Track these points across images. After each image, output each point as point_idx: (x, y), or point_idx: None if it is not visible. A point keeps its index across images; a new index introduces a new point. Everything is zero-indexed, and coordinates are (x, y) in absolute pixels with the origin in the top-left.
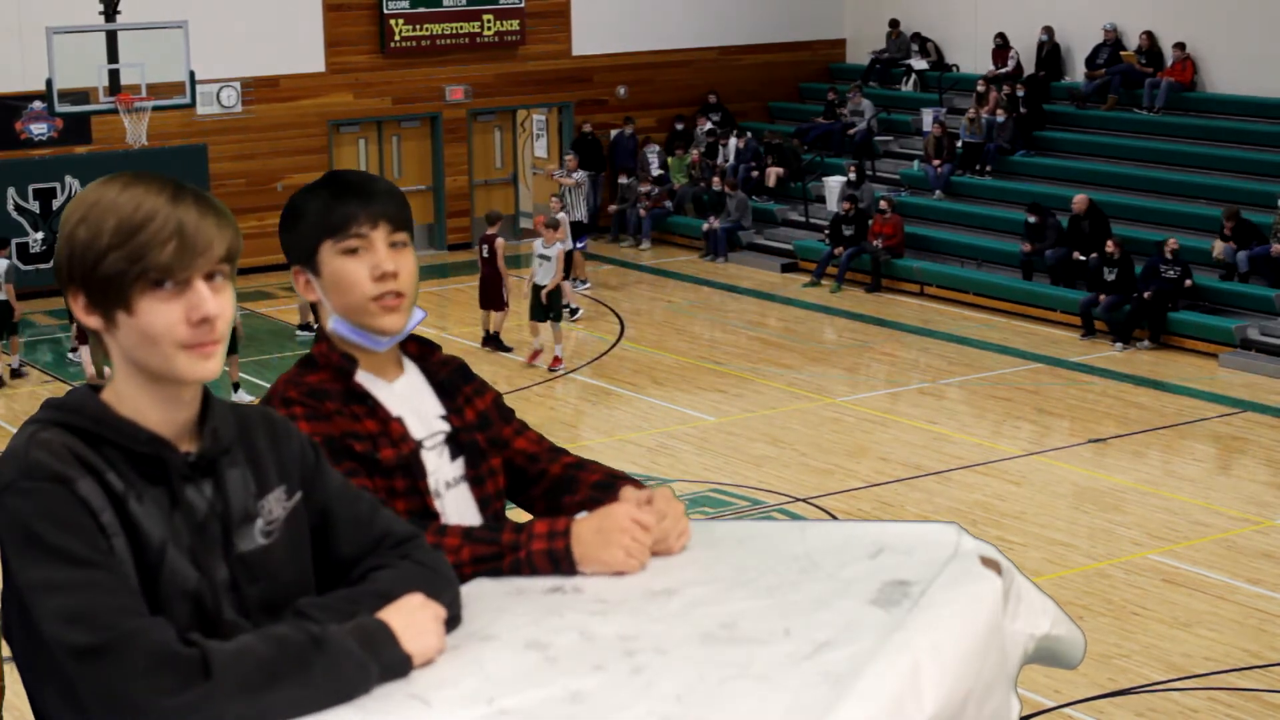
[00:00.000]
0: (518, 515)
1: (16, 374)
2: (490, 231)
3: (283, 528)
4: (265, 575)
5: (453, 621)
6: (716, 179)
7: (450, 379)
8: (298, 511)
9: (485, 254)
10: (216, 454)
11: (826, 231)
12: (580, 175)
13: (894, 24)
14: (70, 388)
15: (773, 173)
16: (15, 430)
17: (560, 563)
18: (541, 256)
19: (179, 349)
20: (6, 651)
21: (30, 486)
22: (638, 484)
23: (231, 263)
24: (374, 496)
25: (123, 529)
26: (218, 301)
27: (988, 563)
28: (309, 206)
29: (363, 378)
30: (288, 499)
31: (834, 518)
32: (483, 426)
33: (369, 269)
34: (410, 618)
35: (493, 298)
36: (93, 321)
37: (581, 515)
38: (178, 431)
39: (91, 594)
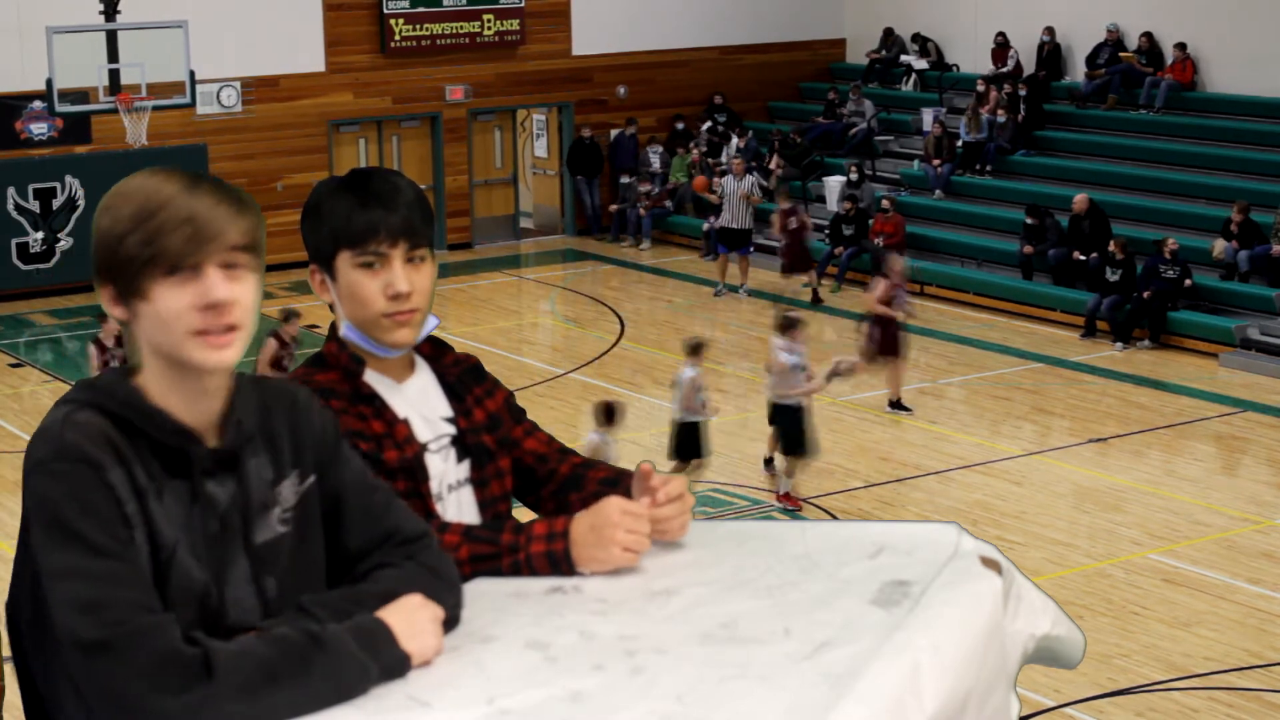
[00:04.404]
0: (525, 515)
1: None
2: (785, 205)
3: (295, 514)
4: (281, 564)
5: (450, 623)
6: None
7: (461, 380)
8: (310, 495)
9: (793, 225)
10: (239, 447)
11: (826, 231)
12: (750, 183)
13: (889, 32)
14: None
15: (775, 172)
16: (50, 410)
17: (559, 564)
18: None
19: (190, 336)
20: (6, 651)
21: (61, 468)
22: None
23: (252, 252)
24: (389, 489)
25: (144, 522)
26: (231, 289)
27: (988, 563)
28: (332, 210)
29: (372, 378)
30: (300, 483)
31: (834, 518)
32: (491, 427)
33: (383, 286)
34: (410, 618)
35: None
36: (119, 312)
37: (579, 514)
38: (204, 422)
39: (107, 586)
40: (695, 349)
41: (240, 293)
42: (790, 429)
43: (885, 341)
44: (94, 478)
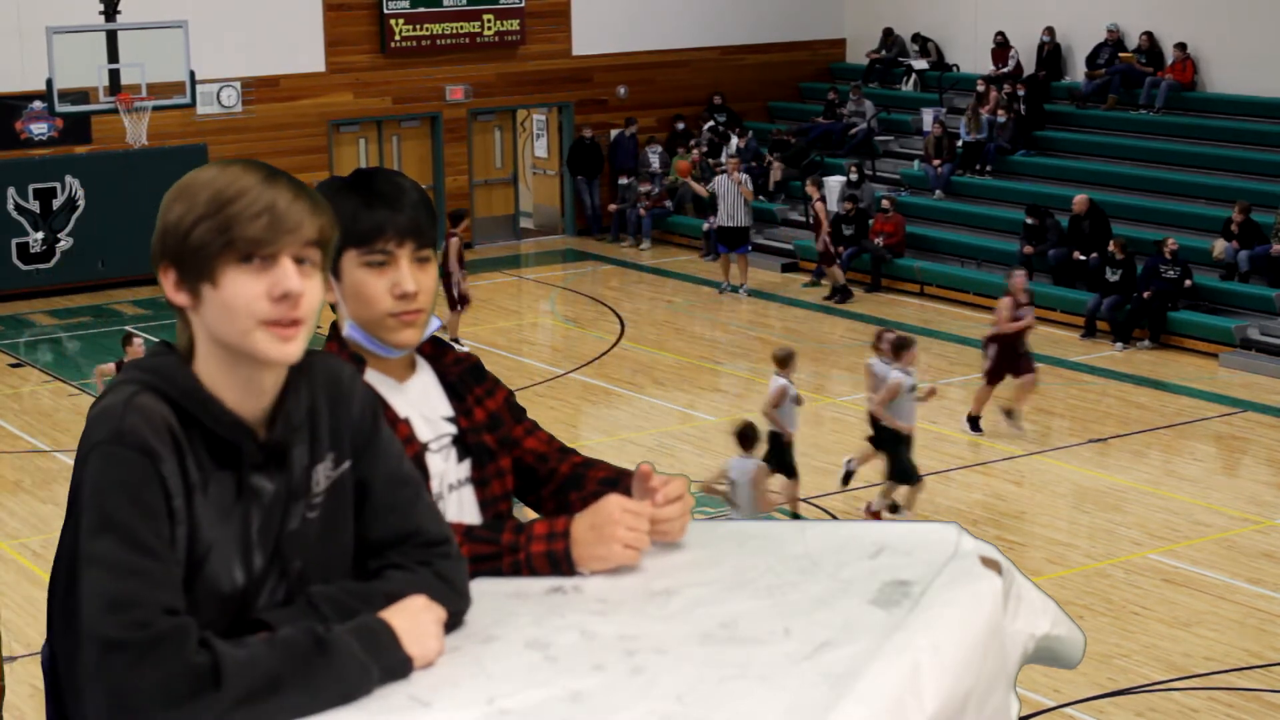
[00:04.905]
0: (527, 515)
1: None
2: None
3: (325, 500)
4: (306, 551)
5: (451, 627)
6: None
7: (462, 379)
8: (343, 480)
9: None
10: (288, 439)
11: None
12: (743, 176)
13: (889, 32)
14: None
15: (776, 171)
16: (107, 389)
17: (560, 564)
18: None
19: (258, 325)
20: (7, 651)
21: (118, 453)
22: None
23: (323, 250)
24: (419, 485)
25: (187, 519)
26: (303, 283)
27: (988, 563)
28: (337, 208)
29: (373, 378)
30: (334, 468)
31: (834, 518)
32: (492, 427)
33: (389, 285)
34: (413, 620)
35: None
36: (180, 298)
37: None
38: (254, 414)
39: (138, 583)
40: (784, 360)
41: (310, 287)
42: (898, 455)
43: (1003, 360)
44: (148, 469)
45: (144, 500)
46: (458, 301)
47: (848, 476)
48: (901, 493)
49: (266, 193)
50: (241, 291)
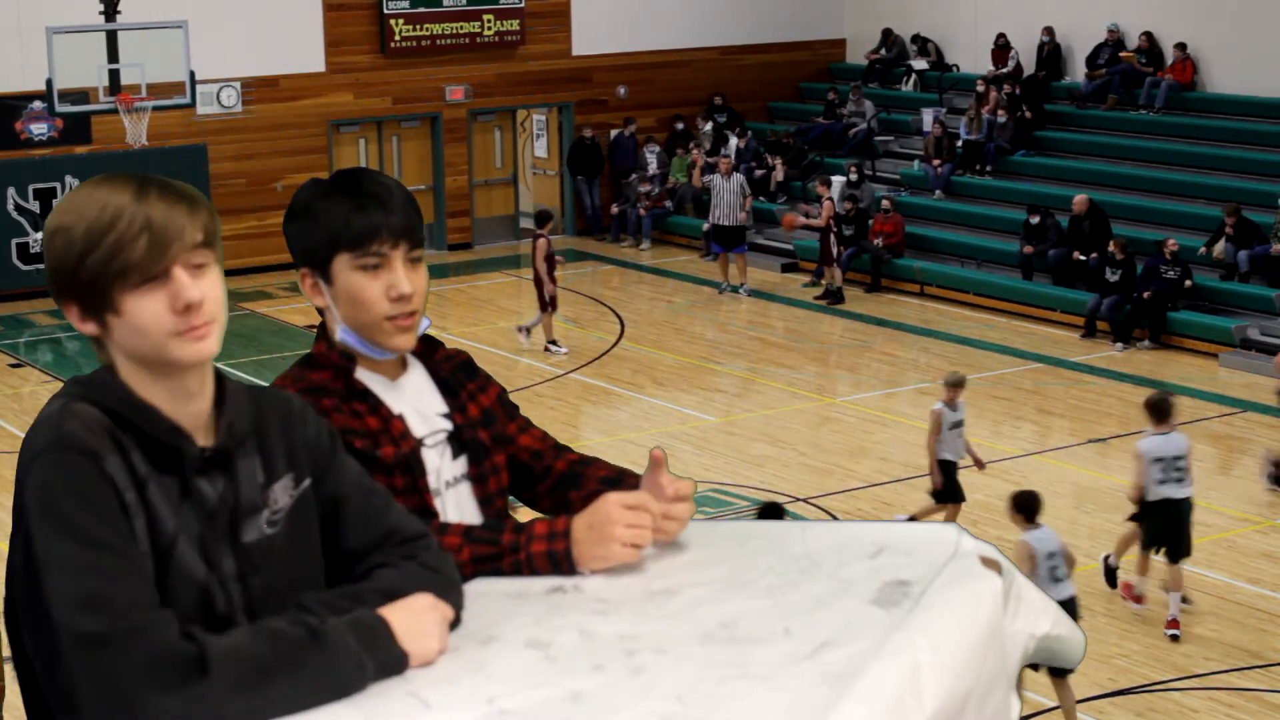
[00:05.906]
0: (525, 514)
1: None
2: None
3: (288, 517)
4: (268, 566)
5: (453, 625)
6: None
7: (453, 375)
8: (305, 500)
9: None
10: (232, 448)
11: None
12: (737, 180)
13: (889, 32)
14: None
15: (779, 172)
16: (46, 403)
17: (560, 564)
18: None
19: (171, 337)
20: (6, 651)
21: (60, 458)
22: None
23: (211, 246)
24: (387, 492)
25: (144, 511)
26: (200, 286)
27: (988, 563)
28: (327, 211)
29: (364, 375)
30: (295, 487)
31: (834, 518)
32: (486, 423)
33: (385, 288)
34: (415, 618)
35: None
36: (89, 328)
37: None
38: (193, 423)
39: (106, 580)
40: (955, 385)
41: (208, 288)
42: (1168, 525)
43: None
44: (93, 468)
45: (95, 499)
46: (549, 303)
47: (1111, 573)
48: (1174, 571)
49: (140, 209)
50: (145, 314)
